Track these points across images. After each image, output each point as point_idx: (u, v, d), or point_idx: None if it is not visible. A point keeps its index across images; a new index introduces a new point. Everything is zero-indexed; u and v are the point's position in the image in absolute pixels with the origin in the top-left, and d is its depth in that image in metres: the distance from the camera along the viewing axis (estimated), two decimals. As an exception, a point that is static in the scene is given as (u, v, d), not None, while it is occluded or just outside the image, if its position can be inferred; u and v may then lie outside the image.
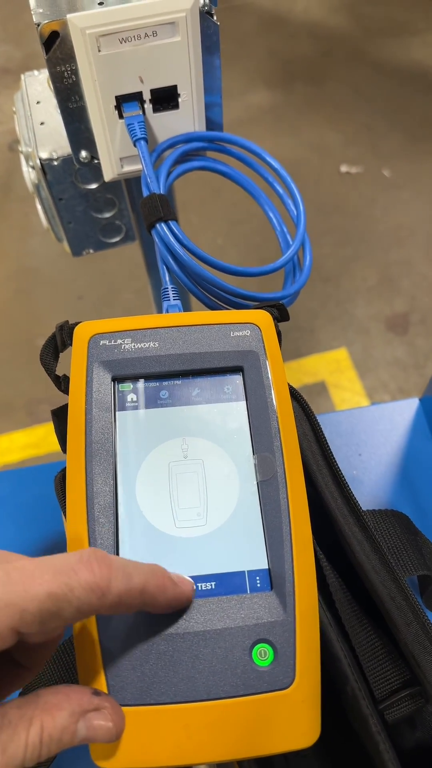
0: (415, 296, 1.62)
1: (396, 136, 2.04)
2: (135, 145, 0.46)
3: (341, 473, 0.39)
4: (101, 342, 0.38)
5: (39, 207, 0.61)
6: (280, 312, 0.41)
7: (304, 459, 0.39)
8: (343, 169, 1.96)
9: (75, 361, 0.37)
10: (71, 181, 0.57)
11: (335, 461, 0.39)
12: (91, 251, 0.63)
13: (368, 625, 0.37)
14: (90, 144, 0.52)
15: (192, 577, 0.33)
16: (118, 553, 0.33)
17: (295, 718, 0.31)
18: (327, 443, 0.40)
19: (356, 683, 0.35)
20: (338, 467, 0.39)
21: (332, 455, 0.39)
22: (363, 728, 0.35)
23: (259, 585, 0.33)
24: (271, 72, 2.26)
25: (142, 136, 0.46)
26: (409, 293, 1.63)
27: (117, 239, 0.62)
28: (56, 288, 1.72)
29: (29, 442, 1.45)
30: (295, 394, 0.41)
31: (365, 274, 1.68)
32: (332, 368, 1.50)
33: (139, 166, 0.50)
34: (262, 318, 0.39)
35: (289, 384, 0.39)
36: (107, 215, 0.60)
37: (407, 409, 0.54)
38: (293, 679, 0.31)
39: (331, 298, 1.63)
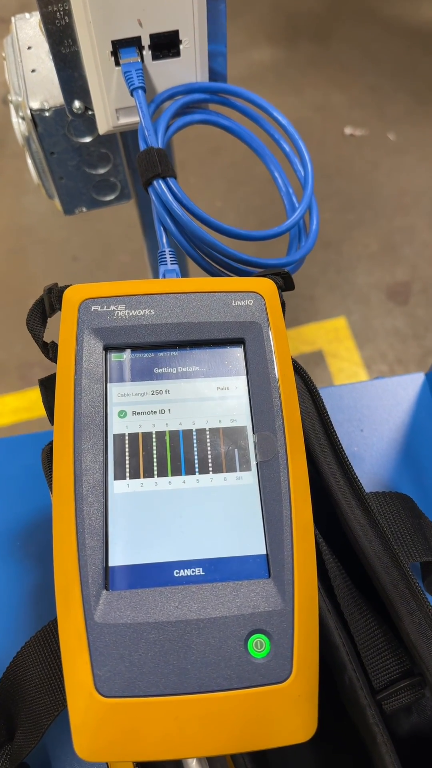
0: (417, 265, 1.59)
1: (402, 98, 1.97)
2: (132, 95, 0.43)
3: (344, 453, 0.37)
4: (93, 307, 0.35)
5: (29, 161, 0.57)
6: (284, 280, 0.38)
7: (306, 438, 0.36)
8: (347, 131, 1.90)
9: (64, 327, 0.35)
10: (63, 134, 0.53)
11: (338, 440, 0.37)
12: (84, 209, 0.59)
13: (368, 612, 0.36)
14: (84, 93, 0.49)
15: (186, 562, 0.31)
16: (107, 535, 0.31)
17: (291, 712, 0.29)
18: (330, 421, 0.37)
19: (354, 672, 0.34)
20: (341, 447, 0.37)
21: (335, 434, 0.37)
22: (360, 718, 0.34)
23: (256, 572, 0.31)
24: (274, 27, 2.18)
25: (140, 85, 0.43)
26: (411, 262, 1.60)
27: (111, 197, 0.59)
28: (50, 248, 1.68)
29: (21, 406, 1.42)
30: (297, 368, 0.38)
31: (367, 240, 1.64)
32: (330, 337, 1.48)
33: (136, 118, 0.47)
34: (266, 287, 0.37)
35: (291, 358, 0.36)
36: (101, 171, 0.57)
37: (412, 384, 0.51)
38: (290, 673, 0.29)
39: (331, 265, 1.59)
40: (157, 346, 0.35)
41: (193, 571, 0.31)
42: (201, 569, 0.31)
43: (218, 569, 0.31)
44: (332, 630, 0.35)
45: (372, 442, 0.49)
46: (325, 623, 0.34)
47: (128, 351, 0.35)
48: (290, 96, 1.98)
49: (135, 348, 0.35)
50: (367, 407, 0.51)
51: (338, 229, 1.66)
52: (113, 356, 0.35)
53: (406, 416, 0.49)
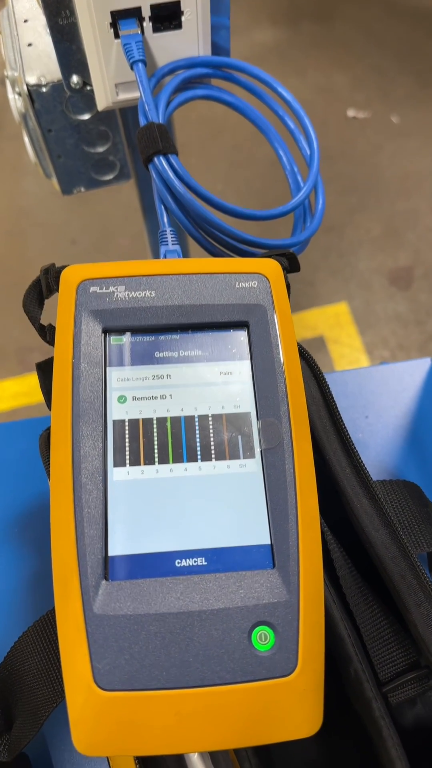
0: (420, 250, 1.57)
1: (406, 80, 1.95)
2: (132, 68, 0.41)
3: (351, 440, 0.36)
4: (91, 289, 0.34)
5: (26, 139, 0.56)
6: (290, 262, 0.37)
7: (312, 424, 0.35)
8: (350, 113, 1.87)
9: (62, 309, 0.34)
10: (61, 111, 0.52)
11: (345, 427, 0.36)
12: (83, 189, 0.58)
13: (374, 603, 0.35)
14: (82, 67, 0.47)
15: (188, 552, 0.30)
16: (106, 524, 0.30)
17: (296, 707, 0.28)
18: (336, 407, 0.36)
19: (360, 665, 0.33)
20: (348, 434, 0.36)
21: (342, 421, 0.36)
22: (365, 711, 0.33)
23: (260, 562, 0.30)
24: (276, 7, 2.14)
25: (140, 58, 0.41)
26: (414, 246, 1.58)
27: (110, 177, 0.58)
28: (49, 230, 1.66)
29: (20, 391, 1.41)
30: (303, 353, 0.37)
31: (369, 224, 1.62)
32: (332, 323, 1.46)
33: (136, 94, 0.45)
34: (271, 268, 0.35)
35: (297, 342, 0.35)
36: (100, 150, 0.55)
37: (418, 369, 0.50)
38: (295, 666, 0.29)
39: (333, 249, 1.58)
40: (157, 329, 0.34)
41: (195, 561, 0.30)
42: (203, 559, 0.30)
43: (221, 559, 0.30)
44: (338, 621, 0.34)
45: (377, 429, 0.48)
46: (330, 614, 0.34)
47: (128, 334, 0.34)
48: (292, 77, 1.95)
49: (135, 331, 0.34)
50: (372, 393, 0.49)
51: (340, 213, 1.64)
52: (112, 339, 0.34)
53: (412, 402, 0.48)
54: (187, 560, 0.30)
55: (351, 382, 0.50)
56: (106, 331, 0.34)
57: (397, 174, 1.73)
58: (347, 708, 0.35)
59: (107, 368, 0.33)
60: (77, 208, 1.66)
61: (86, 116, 0.52)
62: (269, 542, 0.31)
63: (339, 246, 1.58)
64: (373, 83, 1.94)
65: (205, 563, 0.30)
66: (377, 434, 0.48)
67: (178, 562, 0.30)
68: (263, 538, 0.31)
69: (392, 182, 1.71)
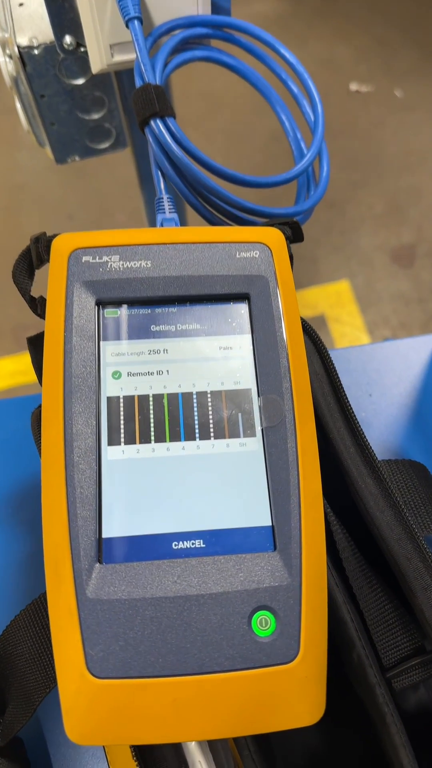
0: (423, 227, 1.55)
1: (410, 53, 1.90)
2: (127, 26, 0.39)
3: (355, 418, 0.34)
4: (84, 258, 0.32)
5: (18, 105, 0.53)
6: (293, 231, 0.35)
7: (315, 402, 0.34)
8: (353, 87, 1.83)
9: (52, 280, 0.32)
10: (54, 75, 0.50)
11: (349, 405, 0.34)
12: (77, 158, 0.56)
13: (378, 587, 0.33)
14: (75, 27, 0.45)
15: (185, 533, 0.29)
16: (100, 504, 0.29)
17: (297, 695, 0.27)
18: (341, 384, 0.35)
19: (363, 650, 0.32)
20: (352, 412, 0.34)
21: (346, 398, 0.34)
22: (368, 697, 0.32)
23: (260, 544, 0.29)
24: (279, -24, 2.09)
25: (136, 15, 0.39)
26: (417, 223, 1.55)
27: (106, 145, 0.55)
28: (45, 206, 1.63)
29: (17, 369, 1.40)
30: (306, 327, 0.36)
31: (372, 201, 1.60)
32: (332, 301, 1.44)
33: (131, 55, 0.43)
34: (273, 237, 0.34)
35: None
36: (95, 117, 0.53)
37: (424, 346, 0.49)
38: (297, 652, 0.27)
39: (335, 226, 1.55)
40: (154, 301, 0.32)
41: (193, 543, 0.29)
42: (201, 541, 0.29)
43: (220, 541, 0.29)
44: (340, 605, 0.33)
45: (381, 408, 0.47)
46: (333, 598, 0.32)
47: (122, 306, 0.32)
48: (294, 49, 1.89)
49: (130, 303, 0.32)
50: (376, 371, 0.48)
51: (342, 189, 1.61)
52: (106, 312, 0.32)
53: (417, 380, 0.47)
54: (185, 542, 0.29)
55: (354, 359, 0.48)
56: (100, 303, 0.32)
57: (400, 149, 1.69)
58: (348, 692, 0.34)
59: (101, 342, 0.31)
60: (74, 183, 1.63)
61: (80, 81, 0.50)
62: (270, 524, 0.29)
63: (341, 223, 1.56)
64: (376, 56, 1.90)
65: (203, 545, 0.29)
66: (381, 413, 0.47)
67: (175, 545, 0.29)
68: (264, 519, 0.29)
69: (395, 158, 1.68)
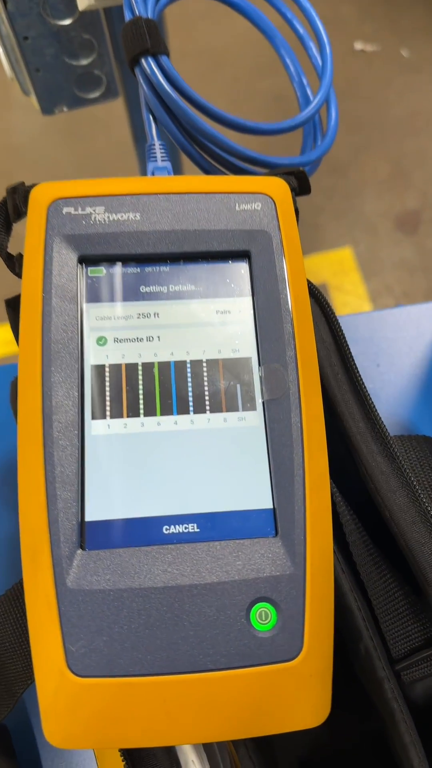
0: (428, 192, 1.50)
1: (418, 11, 1.83)
2: None
3: (366, 391, 0.31)
4: (65, 210, 0.29)
5: (0, 49, 0.49)
6: (299, 182, 0.32)
7: (321, 372, 0.31)
8: (358, 46, 1.77)
9: (30, 234, 0.29)
10: (38, 14, 0.45)
11: (359, 375, 0.31)
12: (65, 109, 0.52)
13: (387, 573, 0.31)
14: (60, -43, 0.41)
15: (177, 517, 0.26)
16: (82, 484, 0.26)
17: (300, 695, 0.25)
18: (350, 353, 0.32)
19: (371, 640, 0.30)
20: (362, 383, 0.31)
21: (356, 368, 0.31)
22: (376, 691, 0.30)
23: (261, 529, 0.26)
24: None
25: None
26: (422, 189, 1.51)
27: (96, 94, 0.51)
28: (39, 170, 1.58)
29: (9, 338, 1.36)
30: (312, 290, 0.32)
31: (376, 165, 1.55)
32: (335, 269, 1.40)
33: (121, -12, 0.39)
34: (277, 187, 0.30)
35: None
36: (84, 62, 0.49)
37: (437, 313, 0.45)
38: (300, 649, 0.25)
39: (337, 191, 1.50)
40: (143, 258, 0.29)
41: (186, 528, 0.26)
42: (195, 525, 0.26)
43: (216, 525, 0.26)
44: (346, 592, 0.30)
45: (389, 379, 0.44)
46: (338, 584, 0.30)
47: (108, 264, 0.29)
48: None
49: (116, 260, 0.29)
50: (385, 339, 0.45)
51: (345, 152, 1.56)
52: (90, 270, 0.29)
53: (429, 350, 0.44)
54: (177, 526, 0.26)
55: (362, 326, 0.45)
56: (83, 261, 0.29)
57: (405, 111, 1.64)
58: (352, 680, 0.31)
59: (83, 304, 0.28)
60: (69, 145, 1.58)
61: (67, 21, 0.46)
62: (271, 506, 0.26)
63: (344, 187, 1.51)
64: (382, 13, 1.83)
65: (197, 530, 0.26)
66: (390, 384, 0.44)
67: (166, 529, 0.26)
68: (265, 501, 0.27)
69: (400, 120, 1.62)
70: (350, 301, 1.37)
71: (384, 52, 1.76)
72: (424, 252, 1.43)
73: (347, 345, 0.31)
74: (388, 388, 0.44)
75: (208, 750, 0.29)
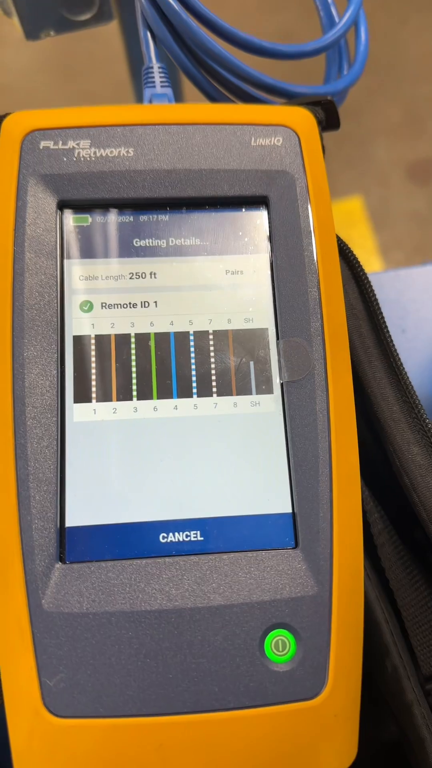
0: (443, 140, 1.42)
1: None
2: None
3: (402, 368, 0.26)
4: (42, 144, 0.23)
5: (-25, -42, 0.43)
6: (327, 113, 0.26)
7: (350, 346, 0.26)
8: (372, -21, 1.65)
9: (1, 173, 0.23)
10: None
11: (394, 349, 0.27)
12: (52, 33, 0.45)
13: (420, 581, 0.27)
14: None
15: (177, 522, 0.22)
16: (63, 483, 0.22)
17: (322, 738, 0.21)
18: (383, 322, 0.27)
19: (400, 658, 0.26)
20: (398, 358, 0.26)
21: (390, 340, 0.26)
22: (403, 715, 0.26)
23: (277, 538, 0.22)
24: None
25: None
26: (437, 136, 1.43)
27: (87, 16, 0.45)
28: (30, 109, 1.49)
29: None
30: (342, 247, 0.27)
31: (389, 110, 1.46)
32: (344, 221, 1.34)
33: None
34: (302, 119, 0.25)
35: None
36: (72, -25, 0.42)
37: (472, 272, 0.40)
38: (324, 685, 0.21)
39: (348, 137, 1.42)
40: (137, 204, 0.24)
41: (187, 536, 0.22)
42: (199, 533, 0.22)
43: (223, 534, 0.22)
44: (372, 601, 0.26)
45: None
46: (364, 594, 0.26)
47: (94, 211, 0.24)
48: None
49: (105, 207, 0.24)
50: (413, 301, 0.40)
51: (357, 96, 1.47)
52: (73, 219, 0.24)
53: (462, 314, 0.39)
54: (177, 534, 0.22)
55: (388, 285, 0.40)
56: (63, 206, 0.23)
57: (422, 52, 1.54)
58: (375, 692, 0.28)
59: (64, 261, 0.23)
60: (63, 84, 1.49)
61: None
62: (290, 510, 0.22)
63: (355, 133, 1.42)
64: None
65: (200, 539, 0.22)
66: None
67: (164, 537, 0.22)
68: (282, 504, 0.22)
69: (416, 62, 1.53)
70: (359, 255, 1.30)
71: (400, -14, 1.65)
72: (437, 204, 1.36)
73: (381, 313, 0.26)
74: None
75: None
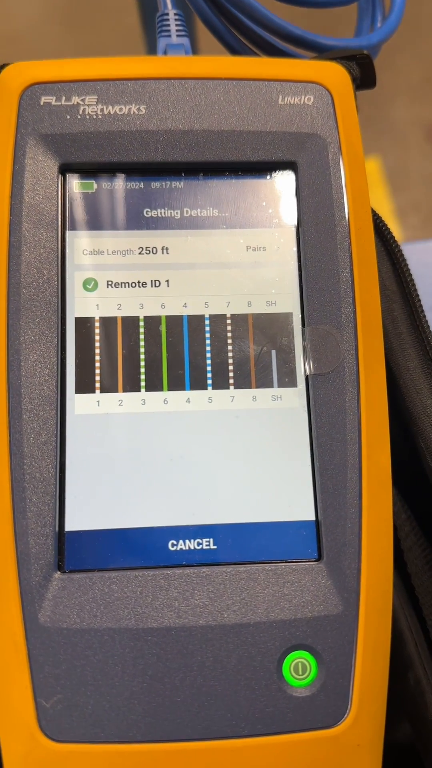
0: (465, 101, 1.37)
1: None
2: None
3: (438, 357, 0.24)
4: (43, 99, 0.21)
5: None
6: (362, 70, 0.24)
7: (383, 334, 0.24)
8: None
9: (-5, 132, 0.21)
10: None
11: (430, 334, 0.24)
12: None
13: (449, 587, 0.25)
14: None
15: (187, 528, 0.20)
16: (62, 485, 0.20)
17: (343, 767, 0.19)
18: (420, 305, 0.24)
19: (423, 670, 0.24)
20: (434, 344, 0.24)
21: (427, 326, 0.24)
22: (426, 734, 0.24)
23: (298, 549, 0.20)
24: None
25: None
26: (458, 97, 1.37)
27: None
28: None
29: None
30: (376, 221, 0.24)
31: (409, 68, 1.40)
32: (359, 184, 1.30)
33: None
34: (336, 75, 0.22)
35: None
36: None
37: None
38: (347, 712, 0.19)
39: (364, 94, 1.36)
40: (149, 169, 0.21)
41: (198, 544, 0.20)
42: (212, 541, 0.20)
43: (239, 542, 0.20)
44: (397, 610, 0.24)
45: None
46: (387, 603, 0.24)
47: (101, 176, 0.21)
48: None
49: (112, 171, 0.21)
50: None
51: (377, 53, 1.41)
52: (76, 185, 0.21)
53: None
54: (187, 542, 0.20)
55: (413, 259, 0.37)
56: (66, 170, 0.21)
57: (446, 6, 1.47)
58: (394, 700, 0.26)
59: (66, 233, 0.21)
60: (73, 35, 1.43)
61: None
62: (314, 518, 0.20)
63: (373, 91, 1.37)
64: None
65: (213, 547, 0.20)
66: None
67: (173, 545, 0.20)
68: (305, 511, 0.20)
69: (439, 16, 1.46)
70: (374, 222, 1.27)
71: None
72: (456, 168, 1.31)
73: (417, 295, 0.24)
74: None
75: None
